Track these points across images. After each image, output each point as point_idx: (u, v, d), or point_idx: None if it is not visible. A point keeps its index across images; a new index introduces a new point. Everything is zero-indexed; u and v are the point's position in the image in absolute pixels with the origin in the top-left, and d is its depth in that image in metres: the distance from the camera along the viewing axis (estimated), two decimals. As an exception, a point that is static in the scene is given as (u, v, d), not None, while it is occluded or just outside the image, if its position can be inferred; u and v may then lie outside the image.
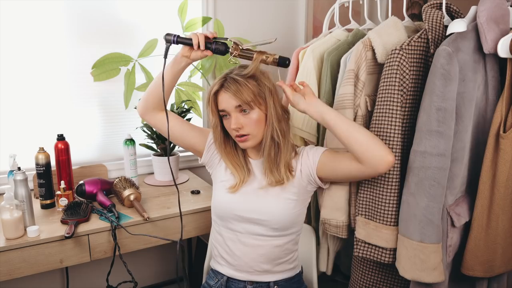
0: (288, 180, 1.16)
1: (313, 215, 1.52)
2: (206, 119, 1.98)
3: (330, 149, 1.22)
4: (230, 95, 1.09)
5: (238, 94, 1.08)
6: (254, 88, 1.09)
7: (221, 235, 1.21)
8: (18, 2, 1.54)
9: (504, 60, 1.15)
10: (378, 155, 1.08)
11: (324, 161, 1.16)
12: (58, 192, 1.43)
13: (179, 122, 1.24)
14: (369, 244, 1.25)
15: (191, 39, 1.09)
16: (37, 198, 1.50)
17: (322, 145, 1.39)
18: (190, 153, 1.94)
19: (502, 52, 1.09)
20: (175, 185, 1.20)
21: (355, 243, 1.29)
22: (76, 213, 1.34)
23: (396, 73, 1.17)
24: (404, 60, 1.17)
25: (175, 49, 1.17)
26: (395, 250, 1.21)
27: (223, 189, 1.20)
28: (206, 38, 1.11)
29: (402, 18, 1.37)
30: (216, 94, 1.13)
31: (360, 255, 1.27)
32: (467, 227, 1.21)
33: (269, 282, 1.20)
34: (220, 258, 1.23)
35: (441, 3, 1.22)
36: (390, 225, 1.20)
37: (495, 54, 1.11)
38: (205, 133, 1.25)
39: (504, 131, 1.13)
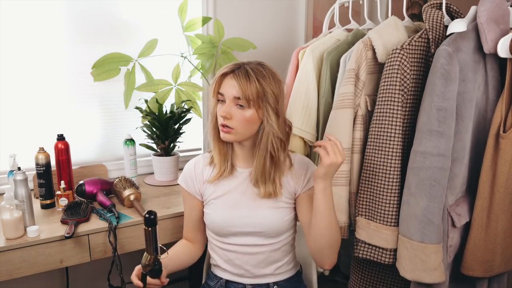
0: (280, 193, 1.14)
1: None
2: (206, 119, 1.98)
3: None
4: (235, 84, 1.05)
5: (243, 87, 1.04)
6: (260, 89, 1.04)
7: (218, 246, 1.20)
8: (18, 2, 1.54)
9: (504, 60, 1.15)
10: (321, 260, 1.13)
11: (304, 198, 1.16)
12: (58, 192, 1.42)
13: (194, 221, 1.25)
14: (369, 244, 1.25)
15: None
16: (37, 198, 1.50)
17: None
18: (190, 153, 1.94)
19: (502, 52, 1.09)
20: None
21: (355, 243, 1.29)
22: (76, 213, 1.33)
23: (397, 73, 1.17)
24: (405, 60, 1.17)
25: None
26: (395, 250, 1.21)
27: (215, 207, 1.17)
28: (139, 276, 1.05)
29: (402, 18, 1.37)
30: (223, 76, 1.09)
31: (360, 255, 1.27)
32: (468, 227, 1.21)
33: (268, 283, 1.20)
34: (219, 267, 1.22)
35: (441, 3, 1.22)
36: (390, 225, 1.20)
37: (495, 54, 1.11)
38: (195, 203, 1.22)
39: (504, 131, 1.13)
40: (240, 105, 1.06)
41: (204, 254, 1.46)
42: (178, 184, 1.24)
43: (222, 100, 1.09)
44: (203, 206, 1.22)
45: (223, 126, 1.08)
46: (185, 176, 1.22)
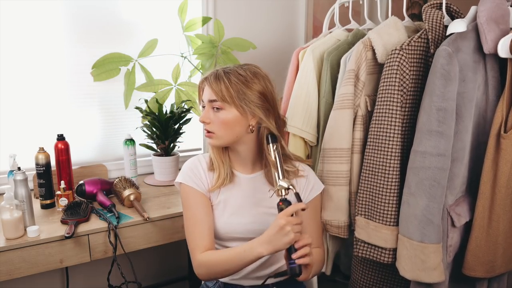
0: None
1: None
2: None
3: (318, 200, 1.25)
4: (207, 88, 1.09)
5: (213, 87, 1.07)
6: (234, 87, 1.06)
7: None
8: (18, 1, 1.54)
9: (504, 60, 1.15)
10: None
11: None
12: (58, 192, 1.42)
13: (211, 225, 1.15)
14: (369, 244, 1.25)
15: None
16: (37, 198, 1.50)
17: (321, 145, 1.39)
18: (190, 153, 1.94)
19: (502, 52, 1.09)
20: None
21: (354, 243, 1.29)
22: (76, 213, 1.34)
23: (396, 73, 1.17)
24: (404, 60, 1.17)
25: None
26: (395, 250, 1.21)
27: (217, 213, 1.16)
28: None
29: (402, 18, 1.37)
30: (202, 84, 1.13)
31: (360, 255, 1.27)
32: (467, 227, 1.21)
33: (267, 284, 1.20)
34: None
35: (441, 3, 1.22)
36: (390, 225, 1.20)
37: (495, 54, 1.11)
38: (207, 202, 1.16)
39: (505, 131, 1.13)
40: (217, 108, 1.08)
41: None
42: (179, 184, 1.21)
43: (204, 107, 1.13)
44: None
45: (206, 131, 1.12)
46: (191, 174, 1.16)
